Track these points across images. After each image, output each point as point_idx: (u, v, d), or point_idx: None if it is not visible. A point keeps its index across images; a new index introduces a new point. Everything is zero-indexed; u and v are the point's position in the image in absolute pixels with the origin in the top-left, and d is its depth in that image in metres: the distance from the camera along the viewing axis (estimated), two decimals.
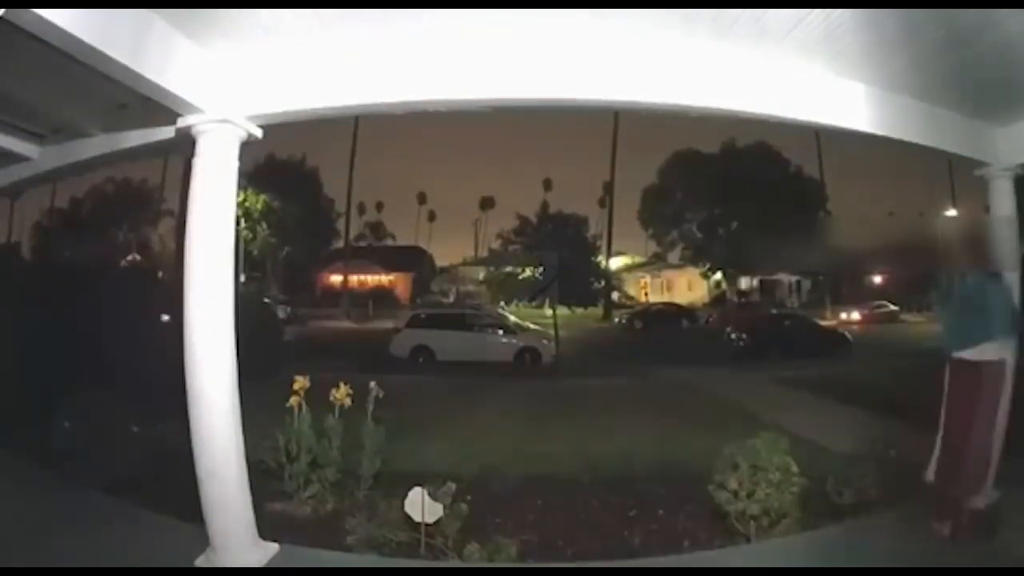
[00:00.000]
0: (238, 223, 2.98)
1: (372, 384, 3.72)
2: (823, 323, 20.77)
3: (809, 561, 2.89)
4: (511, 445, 5.39)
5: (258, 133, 2.85)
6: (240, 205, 22.91)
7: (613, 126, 36.88)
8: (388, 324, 16.95)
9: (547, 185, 59.06)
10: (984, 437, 2.94)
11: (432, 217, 64.45)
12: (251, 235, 31.48)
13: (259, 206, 32.65)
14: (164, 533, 3.05)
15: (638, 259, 47.35)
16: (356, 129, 34.89)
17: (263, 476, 3.48)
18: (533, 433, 6.15)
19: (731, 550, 3.09)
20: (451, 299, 34.23)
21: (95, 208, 35.38)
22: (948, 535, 2.95)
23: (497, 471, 4.16)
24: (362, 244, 47.91)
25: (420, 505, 2.77)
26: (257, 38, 2.58)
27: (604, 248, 32.40)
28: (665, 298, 37.96)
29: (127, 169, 33.97)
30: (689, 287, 42.57)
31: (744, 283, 41.81)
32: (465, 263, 44.02)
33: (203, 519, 2.69)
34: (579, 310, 17.33)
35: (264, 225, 33.10)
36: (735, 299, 39.00)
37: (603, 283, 19.37)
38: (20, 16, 1.81)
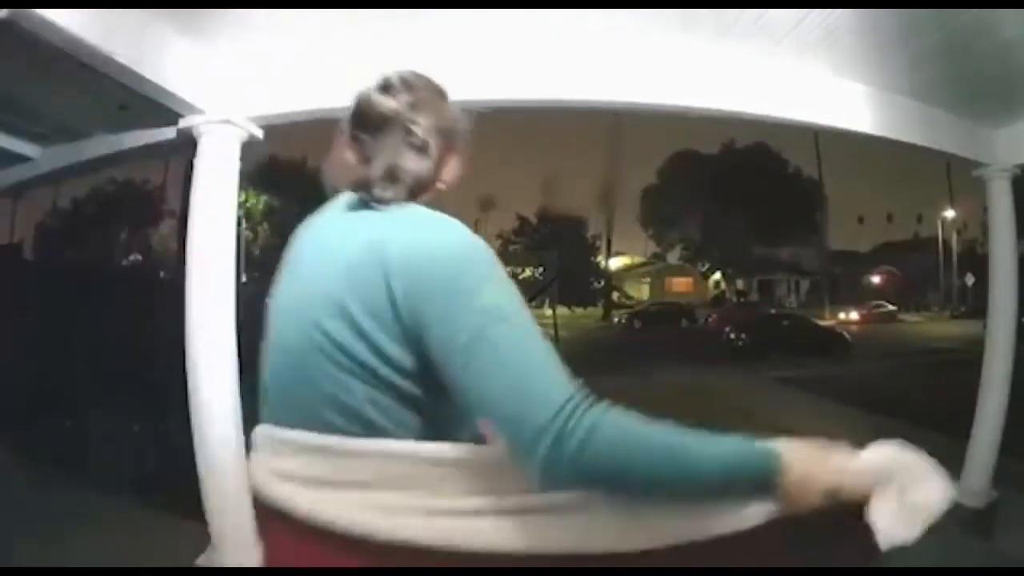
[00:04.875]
0: (239, 224, 2.99)
1: None
2: (822, 323, 20.77)
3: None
4: None
5: (259, 134, 2.86)
6: (241, 206, 22.92)
7: (613, 126, 36.91)
8: None
9: (547, 185, 59.15)
10: None
11: None
12: (252, 235, 31.48)
13: (260, 207, 32.65)
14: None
15: (638, 259, 47.41)
16: None
17: None
18: None
19: None
20: None
21: (97, 208, 35.33)
22: None
23: None
24: None
25: None
26: (258, 39, 2.59)
27: (604, 248, 32.47)
28: (664, 298, 37.92)
29: (130, 169, 33.95)
30: (688, 287, 42.59)
31: (742, 283, 41.84)
32: None
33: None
34: (579, 310, 17.38)
35: (265, 226, 33.10)
36: (734, 299, 39.02)
37: (603, 283, 19.40)
38: (22, 16, 1.82)
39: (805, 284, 41.35)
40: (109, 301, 6.02)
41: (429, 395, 0.85)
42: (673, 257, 44.50)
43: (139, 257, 32.66)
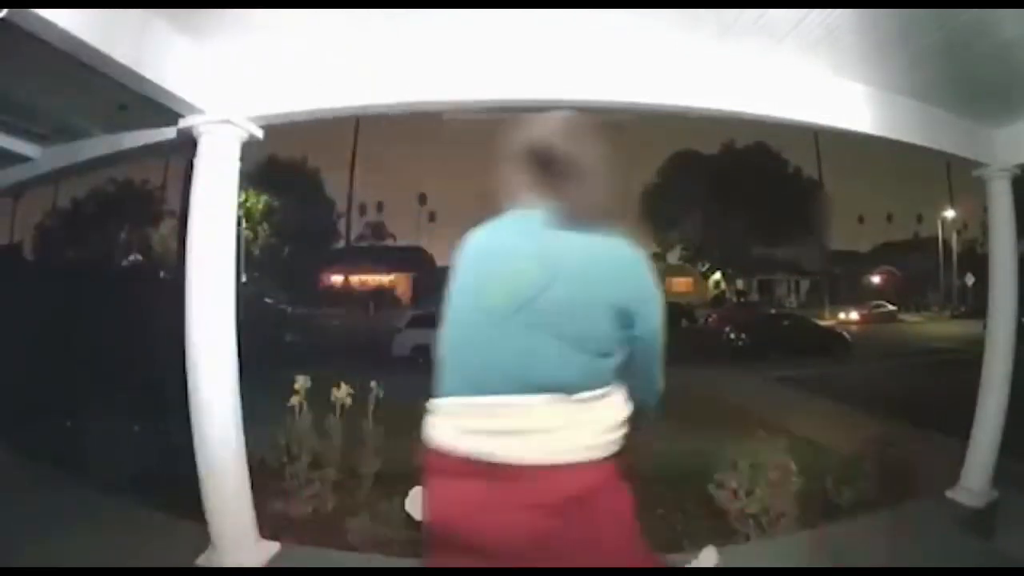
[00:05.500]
0: (239, 223, 3.00)
1: (373, 383, 3.73)
2: (822, 323, 20.77)
3: (808, 560, 2.89)
4: None
5: (259, 133, 2.86)
6: (241, 205, 22.89)
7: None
8: (389, 324, 16.91)
9: None
10: None
11: (432, 217, 64.45)
12: (252, 235, 31.48)
13: (260, 207, 32.65)
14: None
15: None
16: (357, 130, 34.91)
17: (264, 475, 3.49)
18: None
19: (730, 549, 3.09)
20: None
21: (97, 208, 35.29)
22: None
23: None
24: (363, 244, 47.88)
25: (421, 504, 2.76)
26: (258, 38, 2.59)
27: None
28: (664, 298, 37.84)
29: (129, 169, 33.92)
30: (688, 287, 42.58)
31: (742, 283, 41.83)
32: None
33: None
34: None
35: (265, 226, 33.11)
36: (734, 299, 39.02)
37: None
38: (21, 17, 1.82)
39: (805, 284, 41.34)
40: (109, 301, 6.03)
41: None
42: (673, 257, 44.45)
43: (139, 257, 32.64)
